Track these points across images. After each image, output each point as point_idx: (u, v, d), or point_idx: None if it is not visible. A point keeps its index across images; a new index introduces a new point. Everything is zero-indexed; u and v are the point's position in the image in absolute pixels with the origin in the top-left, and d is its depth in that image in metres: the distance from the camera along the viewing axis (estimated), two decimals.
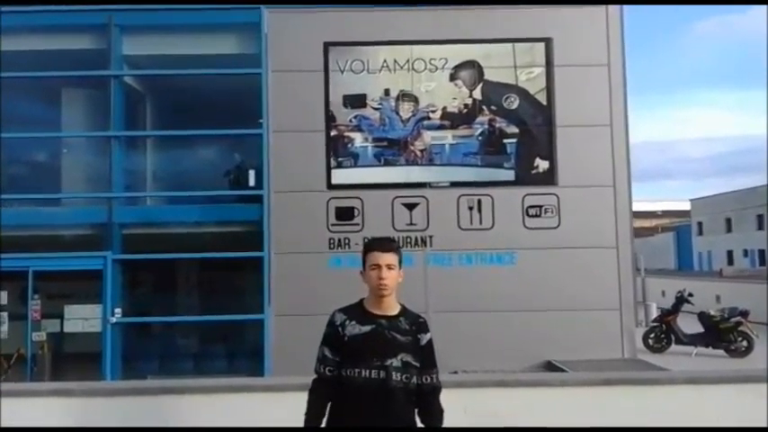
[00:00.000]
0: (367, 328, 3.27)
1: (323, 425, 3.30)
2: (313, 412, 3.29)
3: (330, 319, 3.36)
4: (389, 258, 3.30)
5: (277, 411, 3.64)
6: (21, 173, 12.08)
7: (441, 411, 3.38)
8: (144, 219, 11.53)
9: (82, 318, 10.63)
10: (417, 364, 3.29)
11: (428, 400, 3.34)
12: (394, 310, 3.34)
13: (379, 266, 3.28)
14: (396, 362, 3.22)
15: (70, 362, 10.97)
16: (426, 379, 3.32)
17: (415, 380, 3.27)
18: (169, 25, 11.20)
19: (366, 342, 3.24)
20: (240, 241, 10.76)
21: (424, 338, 3.34)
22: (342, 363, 3.26)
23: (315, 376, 3.35)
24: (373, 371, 3.20)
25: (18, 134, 11.41)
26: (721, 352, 13.38)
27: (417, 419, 3.36)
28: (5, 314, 10.72)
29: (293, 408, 3.46)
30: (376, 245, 3.38)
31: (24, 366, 10.51)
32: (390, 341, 3.25)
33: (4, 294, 10.80)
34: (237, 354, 11.44)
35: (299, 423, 3.32)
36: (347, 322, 3.29)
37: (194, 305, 12.05)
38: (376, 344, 3.24)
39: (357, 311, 3.33)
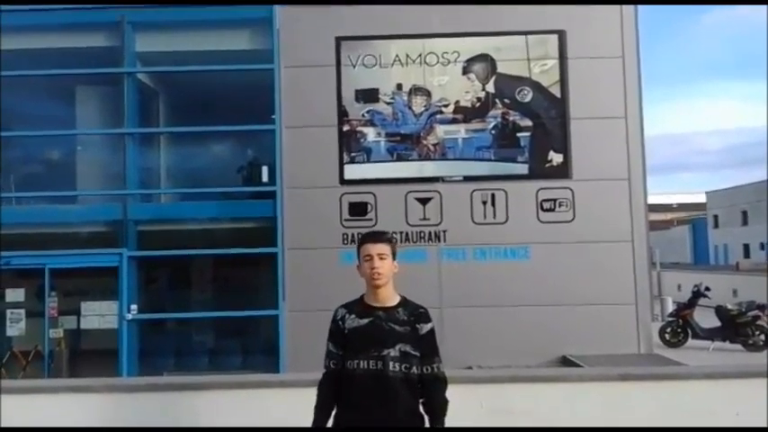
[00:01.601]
0: (365, 321, 3.38)
1: (332, 418, 3.40)
2: (321, 405, 3.42)
3: (333, 314, 3.49)
4: (381, 248, 3.42)
5: (292, 407, 3.65)
6: (36, 170, 12.17)
7: (444, 402, 3.41)
8: (158, 216, 11.59)
9: (98, 314, 10.72)
10: (417, 354, 3.35)
11: (430, 390, 3.38)
12: (392, 301, 3.44)
13: (371, 257, 3.39)
14: (394, 352, 3.31)
15: (87, 358, 11.06)
16: (427, 369, 3.37)
17: (415, 369, 3.34)
18: (182, 22, 11.22)
19: (364, 334, 3.35)
20: (254, 237, 10.78)
21: (424, 328, 3.40)
22: (344, 355, 3.37)
23: (324, 371, 3.46)
24: (371, 361, 3.30)
25: (33, 132, 11.53)
26: (739, 346, 13.26)
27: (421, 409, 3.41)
28: (23, 311, 10.82)
29: (308, 404, 3.48)
30: (367, 237, 3.51)
31: (42, 363, 10.62)
32: (388, 332, 3.34)
33: (22, 291, 10.90)
34: (252, 350, 11.46)
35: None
36: (347, 316, 3.43)
37: (209, 301, 12.09)
38: (373, 335, 3.34)
39: (357, 305, 3.46)
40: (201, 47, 11.07)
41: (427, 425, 3.38)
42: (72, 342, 11.02)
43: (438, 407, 3.38)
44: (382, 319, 3.37)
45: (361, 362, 3.31)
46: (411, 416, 3.33)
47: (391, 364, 3.29)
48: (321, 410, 3.41)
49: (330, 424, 3.43)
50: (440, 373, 3.41)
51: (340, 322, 3.43)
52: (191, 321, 11.76)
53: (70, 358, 10.96)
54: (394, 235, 10.19)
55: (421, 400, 3.38)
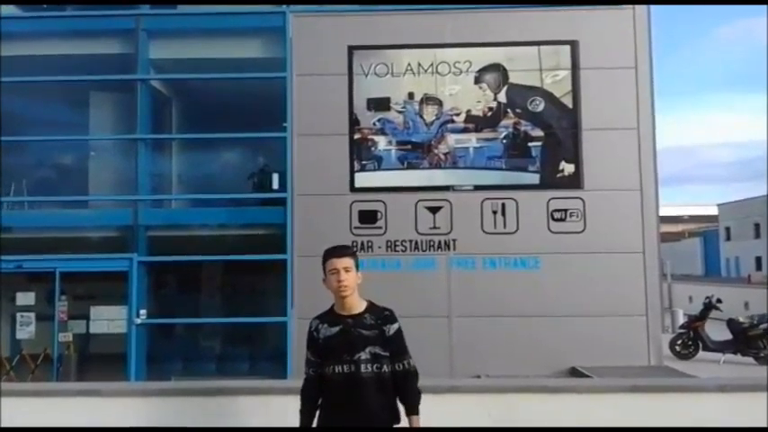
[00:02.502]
0: (336, 329, 3.69)
1: (315, 419, 3.70)
2: (304, 409, 3.72)
3: (309, 325, 3.80)
4: (346, 262, 3.72)
5: (298, 414, 3.70)
6: (49, 175, 12.27)
7: (417, 393, 3.70)
8: (169, 221, 11.64)
9: (107, 319, 10.76)
10: (387, 354, 3.66)
11: (403, 384, 3.67)
12: (358, 308, 3.73)
13: (337, 270, 3.69)
14: (364, 355, 3.62)
15: (95, 362, 11.11)
16: (398, 366, 3.68)
17: (387, 368, 3.64)
18: (195, 30, 11.31)
19: (336, 341, 3.66)
20: (264, 244, 10.80)
21: (391, 329, 3.70)
22: (322, 362, 3.69)
23: (304, 377, 3.80)
24: (345, 365, 3.61)
25: (46, 137, 11.62)
26: (750, 359, 13.16)
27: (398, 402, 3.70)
28: (33, 315, 10.89)
29: None
30: (332, 252, 3.78)
31: (50, 366, 10.66)
32: (357, 337, 3.64)
33: (32, 295, 10.97)
34: (260, 356, 11.48)
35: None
36: (320, 326, 3.74)
37: (218, 307, 12.13)
38: (344, 342, 3.64)
39: (328, 316, 3.77)
40: (215, 55, 11.14)
41: (403, 417, 3.65)
42: (81, 346, 11.07)
43: (412, 396, 3.67)
44: (351, 325, 3.66)
45: (336, 366, 3.62)
46: (385, 411, 3.61)
47: (363, 366, 3.59)
48: (305, 414, 3.71)
49: (315, 425, 3.71)
50: (411, 368, 3.71)
51: (315, 333, 3.74)
52: (199, 327, 11.79)
53: (79, 362, 11.01)
54: (402, 243, 10.27)
55: (397, 394, 3.67)
